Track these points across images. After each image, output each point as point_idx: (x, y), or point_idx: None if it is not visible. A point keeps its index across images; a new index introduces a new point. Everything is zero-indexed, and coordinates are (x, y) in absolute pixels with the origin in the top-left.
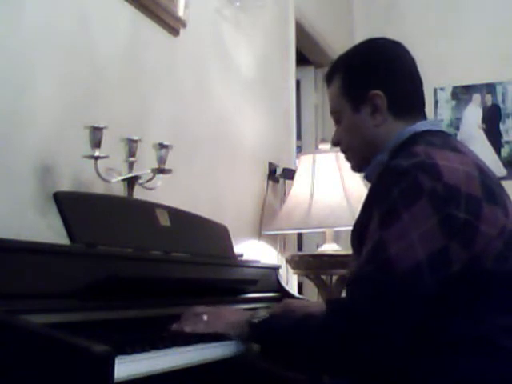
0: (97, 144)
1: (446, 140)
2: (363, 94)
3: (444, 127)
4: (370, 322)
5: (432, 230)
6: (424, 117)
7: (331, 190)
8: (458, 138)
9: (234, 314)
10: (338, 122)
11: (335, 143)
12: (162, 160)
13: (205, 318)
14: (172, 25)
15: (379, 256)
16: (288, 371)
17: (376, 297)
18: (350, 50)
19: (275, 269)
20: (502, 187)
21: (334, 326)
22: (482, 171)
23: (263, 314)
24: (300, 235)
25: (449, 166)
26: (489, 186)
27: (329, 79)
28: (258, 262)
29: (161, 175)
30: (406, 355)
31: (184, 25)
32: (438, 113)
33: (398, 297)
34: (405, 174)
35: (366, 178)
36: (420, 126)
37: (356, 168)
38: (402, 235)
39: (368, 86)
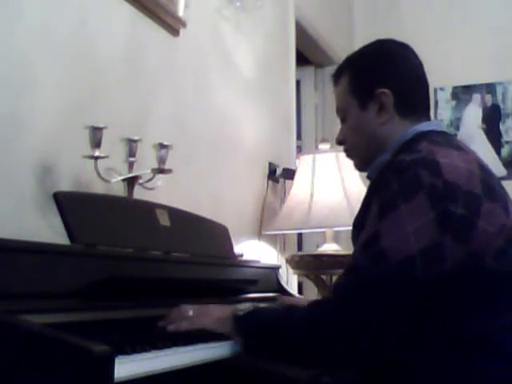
0: (97, 144)
1: (448, 139)
2: (370, 92)
3: (444, 127)
4: (357, 309)
5: (428, 224)
6: (428, 118)
7: (331, 189)
8: (458, 137)
9: (220, 309)
10: (343, 120)
11: (339, 142)
12: (161, 160)
13: (190, 313)
14: (172, 25)
15: (373, 247)
16: (270, 363)
17: (364, 284)
18: (357, 51)
19: (275, 269)
20: (502, 187)
21: (318, 315)
22: (484, 169)
23: (247, 306)
24: (300, 235)
25: (450, 163)
26: (489, 184)
27: (336, 78)
28: (258, 262)
29: (161, 175)
30: (406, 354)
31: (184, 25)
32: (438, 113)
33: (387, 286)
34: (405, 169)
35: (369, 177)
36: (424, 126)
37: (359, 166)
38: (397, 227)
39: (375, 83)
